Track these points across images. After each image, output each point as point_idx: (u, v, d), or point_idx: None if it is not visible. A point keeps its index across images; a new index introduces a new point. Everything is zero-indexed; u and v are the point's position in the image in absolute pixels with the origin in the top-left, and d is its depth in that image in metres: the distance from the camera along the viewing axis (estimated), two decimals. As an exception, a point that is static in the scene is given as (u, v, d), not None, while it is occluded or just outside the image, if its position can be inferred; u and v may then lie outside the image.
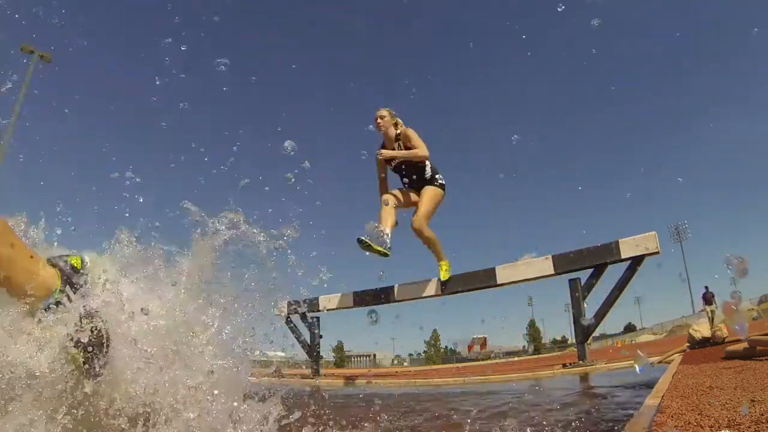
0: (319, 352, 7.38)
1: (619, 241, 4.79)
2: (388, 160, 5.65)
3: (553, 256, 5.30)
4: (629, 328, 79.66)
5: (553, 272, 5.25)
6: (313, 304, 7.32)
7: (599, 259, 4.95)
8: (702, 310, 22.57)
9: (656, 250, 4.59)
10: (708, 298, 22.23)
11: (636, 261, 4.74)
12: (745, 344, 2.59)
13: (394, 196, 5.56)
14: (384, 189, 5.83)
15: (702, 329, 4.54)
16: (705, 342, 4.45)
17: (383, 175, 5.88)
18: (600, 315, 4.92)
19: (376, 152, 5.63)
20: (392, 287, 6.51)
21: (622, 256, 4.75)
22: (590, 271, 5.09)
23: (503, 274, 5.64)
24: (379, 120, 5.53)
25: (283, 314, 7.74)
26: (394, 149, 5.56)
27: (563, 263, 5.20)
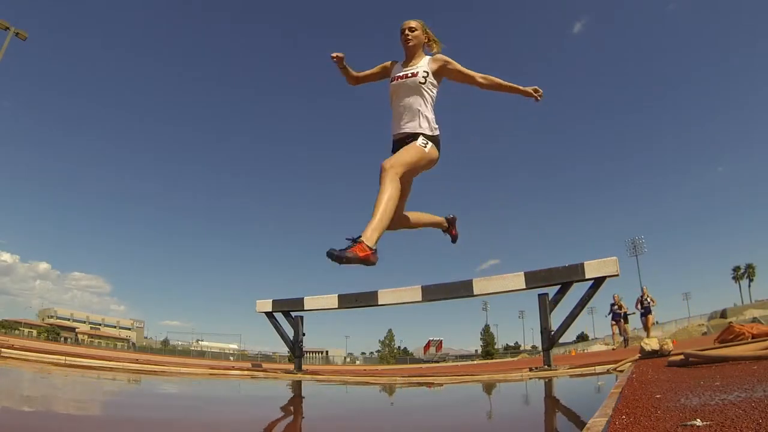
0: (302, 348, 7.77)
1: (585, 263, 5.44)
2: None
3: (525, 273, 5.92)
4: (582, 338, 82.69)
5: (524, 287, 5.87)
6: (298, 304, 7.71)
7: (566, 278, 5.59)
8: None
9: (616, 273, 5.26)
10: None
11: (598, 281, 5.40)
12: (681, 356, 3.23)
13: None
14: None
15: (651, 343, 5.22)
16: (653, 354, 5.12)
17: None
18: (564, 326, 5.57)
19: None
20: (376, 292, 6.99)
21: (586, 277, 5.41)
22: (557, 287, 5.74)
23: (479, 285, 6.23)
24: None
25: (267, 311, 8.09)
26: None
27: (534, 280, 5.82)
